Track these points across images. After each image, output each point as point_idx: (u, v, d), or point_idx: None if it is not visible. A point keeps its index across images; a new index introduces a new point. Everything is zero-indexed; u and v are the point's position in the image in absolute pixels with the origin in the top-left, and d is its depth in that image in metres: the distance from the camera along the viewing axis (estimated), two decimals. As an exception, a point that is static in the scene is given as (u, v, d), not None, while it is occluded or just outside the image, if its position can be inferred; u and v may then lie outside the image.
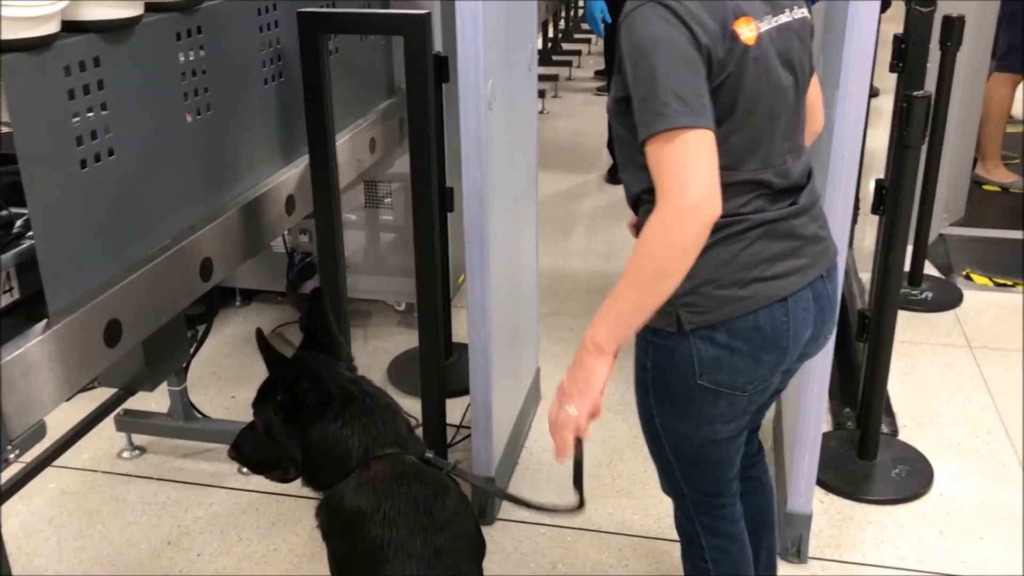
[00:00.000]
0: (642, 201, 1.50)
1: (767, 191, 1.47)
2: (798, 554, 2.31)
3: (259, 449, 1.64)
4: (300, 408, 1.55)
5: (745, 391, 1.52)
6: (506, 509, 2.51)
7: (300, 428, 1.56)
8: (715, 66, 1.36)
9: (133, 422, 2.75)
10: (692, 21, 1.34)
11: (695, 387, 1.50)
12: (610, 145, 4.81)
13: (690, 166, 1.31)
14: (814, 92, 1.65)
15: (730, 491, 1.72)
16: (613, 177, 4.80)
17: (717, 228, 1.38)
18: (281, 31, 2.28)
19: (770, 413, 2.85)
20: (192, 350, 2.65)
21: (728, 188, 1.38)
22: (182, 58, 1.92)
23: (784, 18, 1.46)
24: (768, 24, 1.43)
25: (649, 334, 1.52)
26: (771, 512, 1.91)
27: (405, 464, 1.56)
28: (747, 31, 1.39)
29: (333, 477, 1.56)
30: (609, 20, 4.39)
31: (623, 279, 1.38)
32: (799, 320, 1.50)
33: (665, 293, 1.36)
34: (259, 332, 1.57)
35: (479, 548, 1.66)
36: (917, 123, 2.34)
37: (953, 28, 3.12)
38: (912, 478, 2.60)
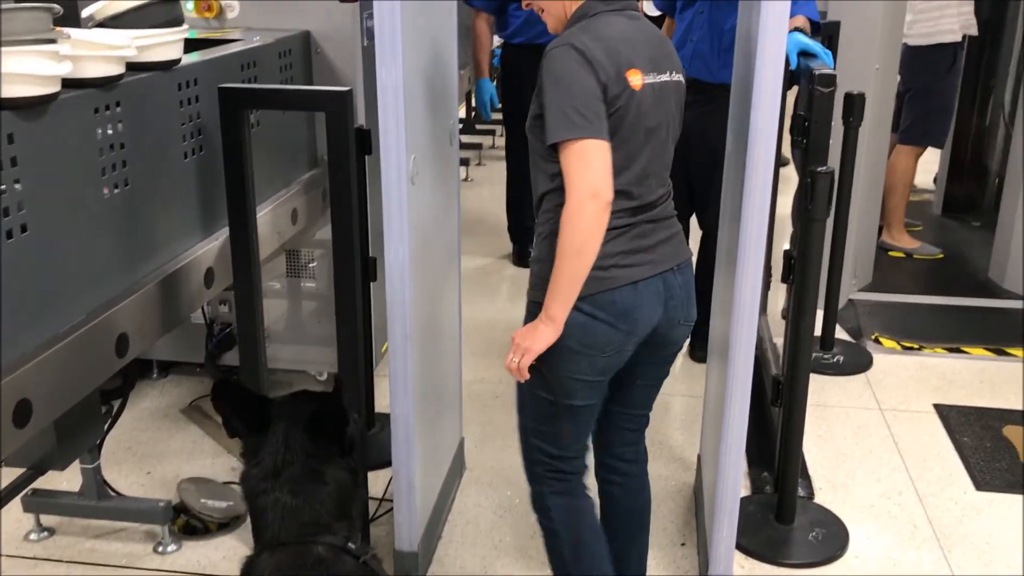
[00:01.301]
0: (545, 199, 1.89)
1: (632, 203, 1.87)
2: (720, 620, 2.33)
3: None
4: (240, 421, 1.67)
5: (605, 352, 1.89)
6: (430, 583, 2.49)
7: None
8: (609, 99, 1.78)
9: (42, 502, 2.64)
10: (596, 63, 1.77)
11: (564, 347, 1.85)
12: (511, 230, 4.79)
13: (586, 168, 1.74)
14: None
15: (573, 466, 2.04)
16: (520, 260, 4.75)
17: None
18: (202, 105, 2.29)
19: (691, 478, 2.89)
20: (106, 426, 2.58)
21: None
22: (100, 132, 1.91)
23: (664, 78, 1.89)
24: (652, 79, 1.85)
25: (534, 308, 1.88)
26: (647, 513, 2.25)
27: (309, 557, 1.56)
28: (635, 79, 1.82)
29: (255, 531, 1.62)
30: (499, 105, 4.38)
31: (556, 262, 1.78)
32: (647, 300, 1.90)
33: (587, 264, 1.77)
34: (215, 385, 1.70)
35: None
36: (821, 197, 2.44)
37: (855, 105, 3.29)
38: (828, 541, 2.65)
